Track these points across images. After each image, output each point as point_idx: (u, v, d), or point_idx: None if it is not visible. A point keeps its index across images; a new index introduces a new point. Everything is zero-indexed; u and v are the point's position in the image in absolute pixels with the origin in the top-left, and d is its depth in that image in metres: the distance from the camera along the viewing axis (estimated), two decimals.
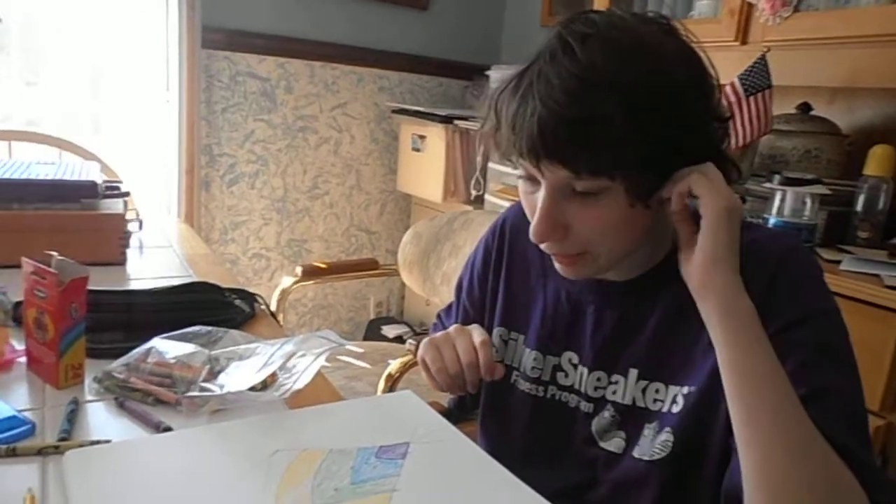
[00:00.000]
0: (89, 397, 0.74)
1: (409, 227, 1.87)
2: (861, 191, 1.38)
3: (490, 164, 2.36)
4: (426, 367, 0.80)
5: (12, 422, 0.65)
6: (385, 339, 2.66)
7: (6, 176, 1.18)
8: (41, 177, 1.20)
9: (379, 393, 1.30)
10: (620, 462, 0.72)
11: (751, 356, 0.58)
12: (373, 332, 2.80)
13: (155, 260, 1.32)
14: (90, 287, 0.76)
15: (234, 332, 0.87)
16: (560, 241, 0.66)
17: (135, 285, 1.14)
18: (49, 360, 0.75)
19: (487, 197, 2.35)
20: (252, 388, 0.73)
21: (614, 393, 0.73)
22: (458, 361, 0.76)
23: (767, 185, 1.38)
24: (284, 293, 1.68)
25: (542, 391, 0.79)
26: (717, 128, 0.65)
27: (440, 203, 2.52)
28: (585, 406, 0.75)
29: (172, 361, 0.77)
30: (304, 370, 0.76)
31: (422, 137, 2.54)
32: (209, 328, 0.86)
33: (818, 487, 0.54)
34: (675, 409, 0.68)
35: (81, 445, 0.63)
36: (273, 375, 0.76)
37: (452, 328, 0.80)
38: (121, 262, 1.23)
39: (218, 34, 2.32)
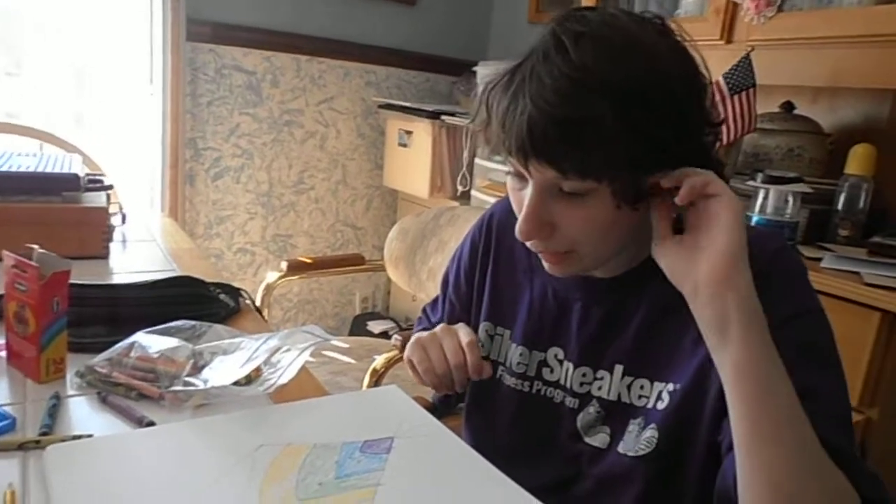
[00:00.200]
0: (71, 392, 0.73)
1: (396, 222, 1.87)
2: (842, 189, 1.40)
3: (477, 160, 2.35)
4: (413, 367, 0.80)
5: None
6: (371, 334, 2.65)
7: None
8: (22, 169, 1.19)
9: (364, 388, 1.30)
10: (605, 457, 0.72)
11: (765, 356, 0.56)
12: (358, 327, 2.79)
13: (138, 254, 1.30)
14: (72, 281, 0.75)
15: (218, 326, 0.87)
16: (546, 239, 0.66)
17: (118, 279, 1.13)
18: (30, 355, 0.74)
19: (474, 193, 2.35)
20: (236, 383, 0.73)
21: (599, 389, 0.73)
22: (445, 361, 0.76)
23: (751, 182, 1.40)
24: (269, 288, 1.68)
25: (528, 386, 0.79)
26: (708, 132, 0.65)
27: (426, 199, 2.51)
28: (571, 401, 0.75)
29: (156, 356, 0.76)
30: (289, 365, 0.76)
31: (408, 133, 2.54)
32: (193, 323, 0.85)
33: (826, 490, 0.54)
34: (661, 405, 0.68)
35: (63, 440, 0.62)
36: (257, 370, 0.76)
37: (439, 328, 0.80)
38: (103, 255, 1.21)
39: (203, 27, 2.30)
